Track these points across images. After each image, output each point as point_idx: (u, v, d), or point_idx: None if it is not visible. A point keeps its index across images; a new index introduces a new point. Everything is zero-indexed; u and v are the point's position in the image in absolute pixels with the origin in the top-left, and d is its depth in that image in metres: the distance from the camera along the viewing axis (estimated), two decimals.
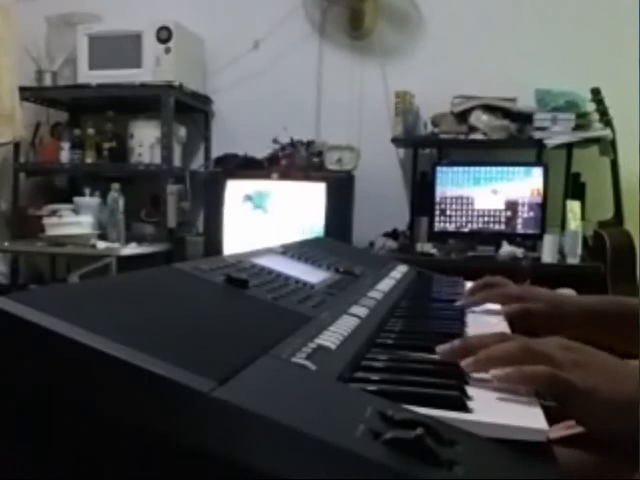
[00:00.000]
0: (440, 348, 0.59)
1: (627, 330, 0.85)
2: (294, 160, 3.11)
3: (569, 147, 2.95)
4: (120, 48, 3.17)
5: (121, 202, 3.03)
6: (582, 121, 2.89)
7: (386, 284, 0.99)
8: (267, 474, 0.34)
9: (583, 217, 2.78)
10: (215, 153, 3.44)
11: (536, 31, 3.11)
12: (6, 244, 3.20)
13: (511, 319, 0.85)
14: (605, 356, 0.55)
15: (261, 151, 3.19)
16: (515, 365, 0.51)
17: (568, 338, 0.57)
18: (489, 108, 2.96)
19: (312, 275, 0.87)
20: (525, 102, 2.98)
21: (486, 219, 2.98)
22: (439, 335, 0.71)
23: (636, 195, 2.81)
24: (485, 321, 0.84)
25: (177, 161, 3.36)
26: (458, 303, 0.92)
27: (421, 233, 3.04)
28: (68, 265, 3.52)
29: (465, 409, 0.46)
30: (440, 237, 3.04)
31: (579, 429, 0.55)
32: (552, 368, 0.50)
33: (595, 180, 2.94)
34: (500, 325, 0.82)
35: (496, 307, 0.91)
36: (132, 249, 3.01)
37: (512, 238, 2.93)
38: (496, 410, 0.47)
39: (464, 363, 0.54)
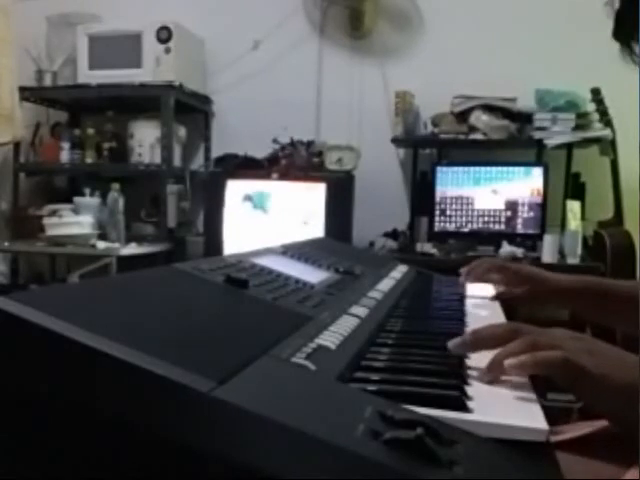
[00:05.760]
0: (452, 342, 0.60)
1: (610, 307, 0.91)
2: (294, 160, 3.11)
3: (569, 147, 2.95)
4: (120, 48, 3.16)
5: (121, 202, 3.02)
6: (582, 121, 2.89)
7: (386, 284, 0.99)
8: (267, 474, 0.34)
9: (583, 217, 2.78)
10: (215, 153, 3.43)
11: (536, 31, 3.10)
12: (6, 244, 3.19)
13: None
14: (609, 346, 0.57)
15: (261, 151, 3.19)
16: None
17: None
18: (489, 108, 2.96)
19: (312, 275, 0.87)
20: (525, 102, 2.97)
21: (486, 219, 2.98)
22: (439, 335, 0.71)
23: (636, 195, 2.81)
24: (484, 320, 0.84)
25: (177, 161, 3.36)
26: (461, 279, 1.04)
27: (421, 233, 3.03)
28: (68, 265, 3.52)
29: (465, 409, 0.46)
30: (440, 237, 3.04)
31: (580, 432, 0.56)
32: (565, 353, 0.52)
33: (595, 180, 2.94)
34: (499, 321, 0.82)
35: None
36: (132, 249, 3.01)
37: (512, 238, 2.93)
38: (496, 410, 0.47)
39: (482, 371, 0.56)
